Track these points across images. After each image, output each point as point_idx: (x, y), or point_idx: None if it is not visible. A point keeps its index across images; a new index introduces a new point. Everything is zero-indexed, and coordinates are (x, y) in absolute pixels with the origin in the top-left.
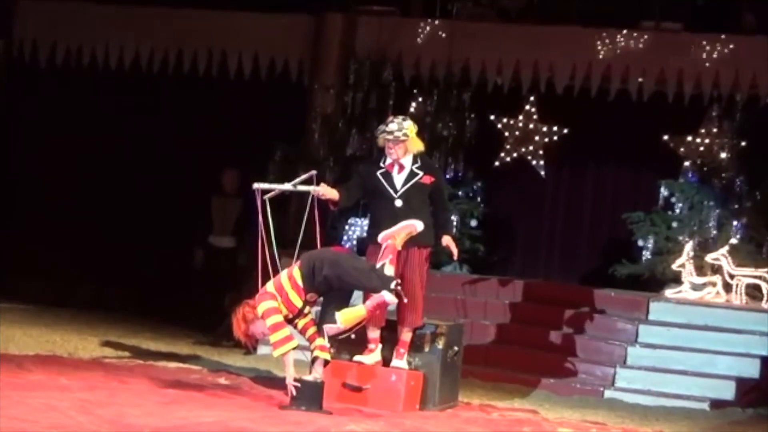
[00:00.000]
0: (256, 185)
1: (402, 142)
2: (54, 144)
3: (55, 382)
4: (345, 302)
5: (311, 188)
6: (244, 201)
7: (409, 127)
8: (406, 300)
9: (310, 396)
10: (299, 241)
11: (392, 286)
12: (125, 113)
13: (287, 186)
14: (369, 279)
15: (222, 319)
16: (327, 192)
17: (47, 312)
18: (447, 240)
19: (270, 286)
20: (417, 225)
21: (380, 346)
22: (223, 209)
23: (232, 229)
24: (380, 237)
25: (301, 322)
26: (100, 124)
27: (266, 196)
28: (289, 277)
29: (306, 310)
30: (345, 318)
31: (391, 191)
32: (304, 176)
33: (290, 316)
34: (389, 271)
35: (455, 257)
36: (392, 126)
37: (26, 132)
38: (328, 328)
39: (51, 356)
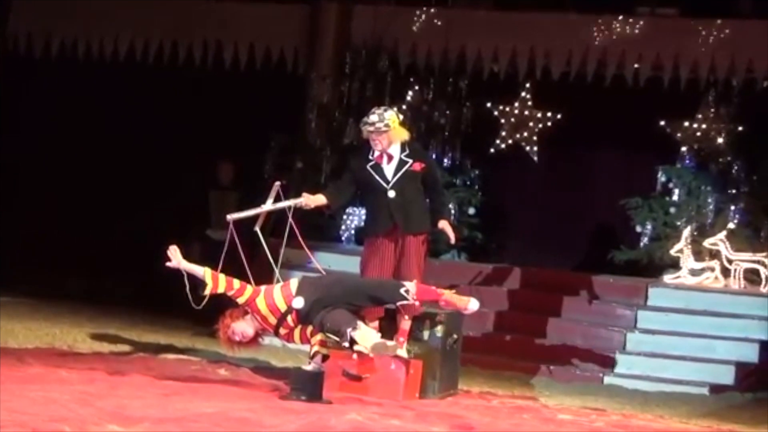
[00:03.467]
0: (229, 217)
1: (384, 133)
2: (50, 137)
3: (54, 375)
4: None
5: (293, 202)
6: (241, 193)
7: (391, 117)
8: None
9: (310, 385)
10: (278, 265)
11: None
12: (121, 105)
13: (264, 208)
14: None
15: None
16: (312, 201)
17: (46, 305)
18: (443, 224)
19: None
20: (472, 305)
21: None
22: (221, 202)
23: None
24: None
25: (285, 331)
26: (96, 116)
27: (257, 225)
28: (282, 287)
29: (289, 319)
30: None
31: (383, 183)
32: (272, 192)
33: (272, 319)
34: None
35: (452, 241)
36: (373, 117)
37: (22, 125)
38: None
39: (50, 349)
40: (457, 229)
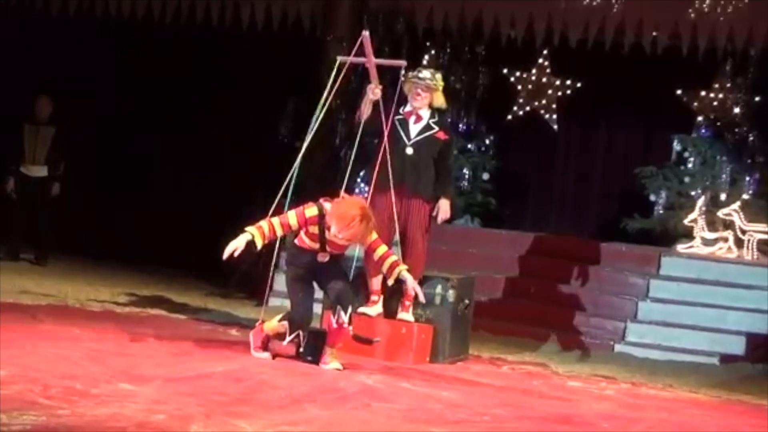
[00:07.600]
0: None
1: (430, 90)
2: (66, 96)
3: (67, 333)
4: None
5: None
6: (57, 129)
7: (440, 78)
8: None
9: (313, 346)
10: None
11: None
12: (138, 64)
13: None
14: None
15: (233, 271)
16: (377, 96)
17: (59, 263)
18: (443, 202)
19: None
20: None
21: (382, 297)
22: (35, 137)
23: (44, 158)
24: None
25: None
26: (113, 75)
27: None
28: (299, 214)
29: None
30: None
31: (405, 138)
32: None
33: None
34: None
35: (439, 221)
36: (426, 73)
37: (39, 84)
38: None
39: (63, 307)
40: (471, 198)
